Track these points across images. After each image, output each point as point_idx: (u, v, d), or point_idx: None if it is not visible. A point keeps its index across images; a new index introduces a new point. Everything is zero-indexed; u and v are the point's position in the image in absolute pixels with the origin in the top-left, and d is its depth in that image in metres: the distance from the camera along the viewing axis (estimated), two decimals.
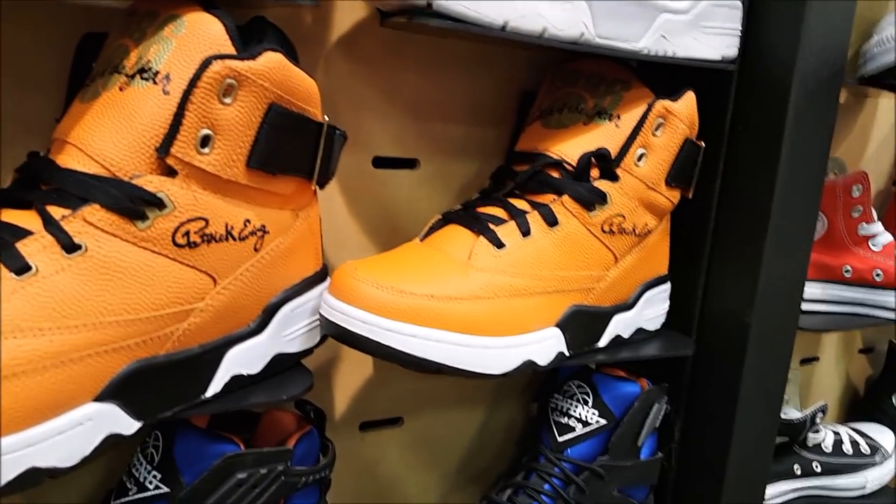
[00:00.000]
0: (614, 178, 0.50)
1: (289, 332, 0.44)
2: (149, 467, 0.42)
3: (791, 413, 0.81)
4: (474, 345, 0.43)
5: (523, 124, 0.55)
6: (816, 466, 0.81)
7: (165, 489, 0.41)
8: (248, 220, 0.38)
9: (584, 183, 0.49)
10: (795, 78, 0.53)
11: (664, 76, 0.53)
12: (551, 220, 0.48)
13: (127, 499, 0.41)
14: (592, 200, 0.49)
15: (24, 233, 0.32)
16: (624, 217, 0.51)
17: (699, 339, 0.61)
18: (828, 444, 0.83)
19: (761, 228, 0.56)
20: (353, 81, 0.52)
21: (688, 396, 0.63)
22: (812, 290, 0.73)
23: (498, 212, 0.49)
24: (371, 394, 0.59)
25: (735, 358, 0.59)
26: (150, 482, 0.41)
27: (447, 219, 0.50)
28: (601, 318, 0.53)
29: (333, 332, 0.43)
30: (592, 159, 0.49)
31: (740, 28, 0.54)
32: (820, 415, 0.79)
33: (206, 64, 0.33)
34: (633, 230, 0.52)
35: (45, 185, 0.34)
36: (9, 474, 0.30)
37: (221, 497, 0.40)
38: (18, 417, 0.30)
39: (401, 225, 0.57)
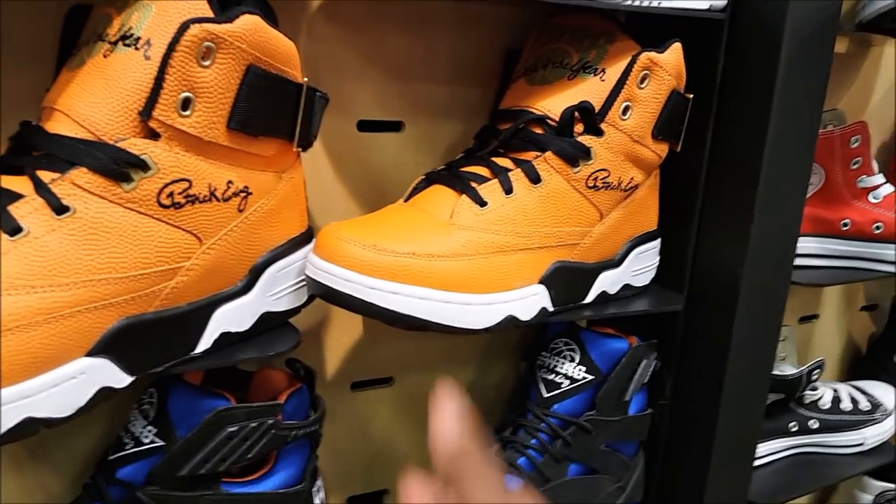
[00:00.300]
0: (598, 132, 0.50)
1: (276, 291, 0.45)
2: (144, 422, 0.43)
3: (788, 370, 0.82)
4: (456, 301, 0.44)
5: (508, 82, 0.55)
6: (813, 423, 0.82)
7: (161, 442, 0.42)
8: (231, 182, 0.40)
9: (568, 138, 0.49)
10: (787, 25, 0.52)
11: (653, 28, 0.52)
12: (534, 177, 0.49)
13: (124, 452, 0.43)
14: (576, 156, 0.49)
15: (15, 196, 0.34)
16: (609, 172, 0.51)
17: (690, 294, 0.62)
18: (825, 402, 0.84)
19: (752, 182, 0.56)
20: (335, 45, 0.52)
21: (679, 353, 0.64)
22: (809, 244, 0.73)
23: (481, 170, 0.49)
24: (362, 354, 0.60)
25: (726, 313, 0.60)
26: (146, 436, 0.43)
27: (430, 179, 0.50)
28: (587, 274, 0.54)
29: (319, 292, 0.44)
30: (576, 114, 0.49)
31: None
32: (817, 371, 0.80)
33: (183, 27, 0.34)
34: (619, 185, 0.53)
35: (35, 151, 0.36)
36: (7, 423, 0.32)
37: (213, 449, 0.42)
38: (15, 370, 0.32)
39: (387, 188, 0.57)
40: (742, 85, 0.56)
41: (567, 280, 0.52)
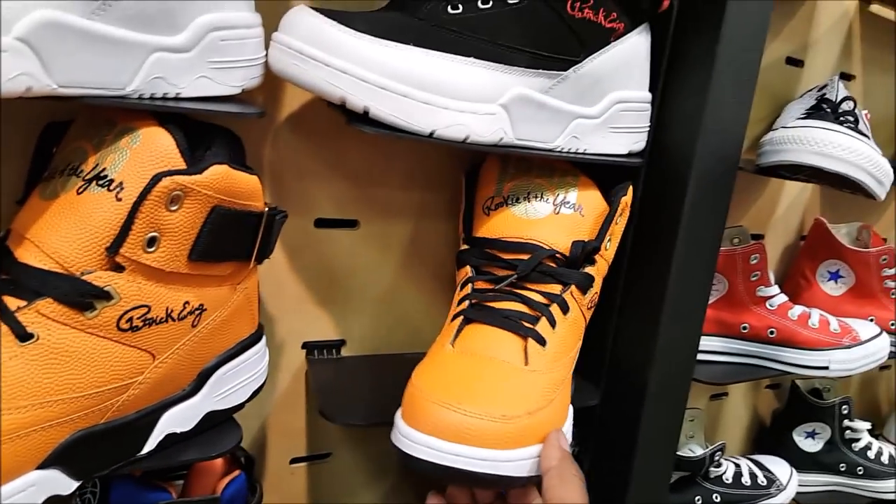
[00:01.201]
0: (593, 262, 0.56)
1: (221, 391, 0.49)
2: None
3: (695, 450, 0.89)
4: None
5: (473, 202, 0.60)
6: (716, 497, 0.89)
7: None
8: (188, 302, 0.43)
9: (581, 271, 0.55)
10: (693, 171, 0.59)
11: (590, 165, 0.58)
12: (565, 309, 0.54)
13: None
14: (587, 286, 0.55)
15: None
16: (597, 293, 0.58)
17: (606, 389, 0.68)
18: (728, 476, 0.91)
19: (660, 297, 0.63)
20: (299, 153, 0.57)
21: (595, 440, 0.71)
22: (713, 343, 0.81)
23: (517, 306, 0.53)
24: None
25: (635, 408, 0.66)
26: None
27: (467, 319, 0.53)
28: None
29: (446, 475, 0.45)
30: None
31: (648, 125, 0.60)
32: (719, 452, 0.87)
33: (156, 179, 0.38)
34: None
35: (3, 273, 0.39)
36: None
37: None
38: None
39: (338, 278, 0.62)
40: (655, 217, 0.62)
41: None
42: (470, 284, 0.55)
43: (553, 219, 0.55)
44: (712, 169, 0.60)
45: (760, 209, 0.89)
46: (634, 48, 0.55)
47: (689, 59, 0.57)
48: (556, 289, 0.54)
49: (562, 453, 0.47)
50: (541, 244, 0.54)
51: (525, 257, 0.54)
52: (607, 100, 0.55)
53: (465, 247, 0.58)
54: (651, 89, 0.59)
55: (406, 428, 0.46)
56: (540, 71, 0.50)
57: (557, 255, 0.55)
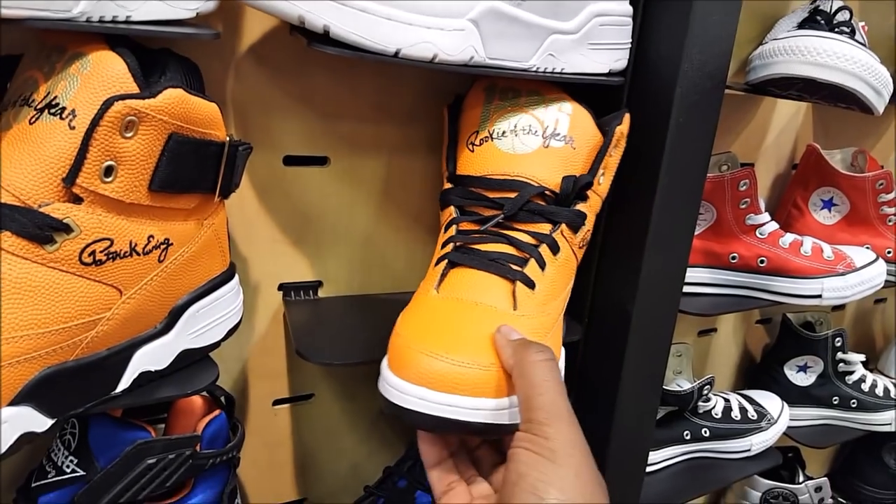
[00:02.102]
0: (586, 199, 0.54)
1: (195, 329, 0.48)
2: (66, 452, 0.46)
3: (683, 385, 0.90)
4: None
5: (456, 137, 0.57)
6: (705, 432, 0.90)
7: (81, 472, 0.45)
8: (152, 236, 0.42)
9: (572, 209, 0.53)
10: (678, 89, 0.57)
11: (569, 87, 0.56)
12: (556, 250, 0.52)
13: (46, 481, 0.46)
14: (578, 224, 0.53)
15: None
16: (590, 231, 0.56)
17: (589, 325, 0.68)
18: (717, 411, 0.92)
19: (643, 227, 0.61)
20: (263, 86, 0.55)
21: (578, 377, 0.70)
22: (700, 274, 0.80)
23: (505, 248, 0.51)
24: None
25: (619, 342, 0.66)
26: (68, 466, 0.45)
27: (452, 262, 0.51)
28: None
29: (422, 422, 0.43)
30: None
31: (630, 42, 0.58)
32: (707, 387, 0.87)
33: (107, 104, 0.36)
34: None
35: None
36: None
37: (133, 480, 0.45)
38: None
39: (311, 217, 0.61)
40: (637, 140, 0.60)
41: None
42: (454, 226, 0.53)
43: (542, 153, 0.53)
44: (698, 86, 0.58)
45: (750, 136, 0.87)
46: None
47: None
48: (545, 228, 0.52)
49: (513, 347, 0.44)
50: (529, 181, 0.52)
51: (512, 195, 0.52)
52: (585, 13, 0.53)
53: (448, 185, 0.56)
54: (632, 2, 0.57)
55: (394, 378, 0.44)
56: None
57: (547, 192, 0.52)
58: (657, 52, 0.58)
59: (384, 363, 0.47)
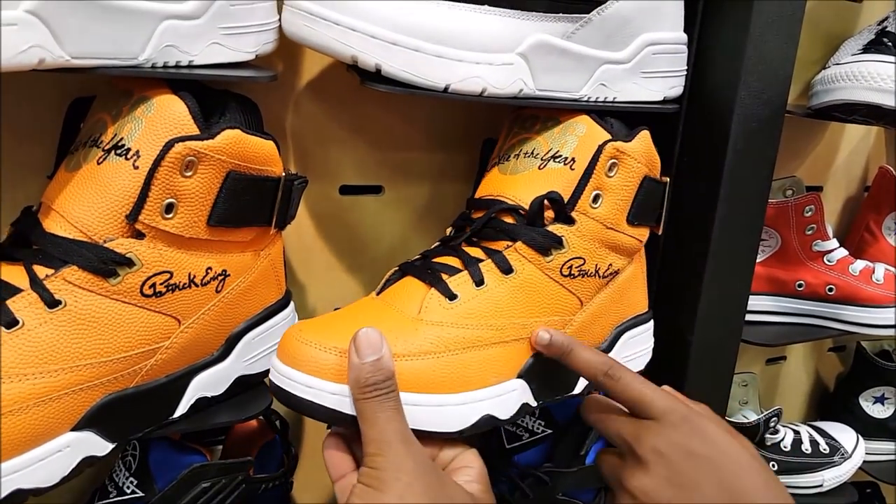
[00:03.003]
0: (570, 221, 0.50)
1: (251, 356, 0.49)
2: (127, 473, 0.48)
3: (749, 416, 0.86)
4: (427, 403, 0.43)
5: (484, 171, 0.56)
6: (773, 465, 0.86)
7: (140, 494, 0.47)
8: (210, 268, 0.44)
9: (538, 228, 0.49)
10: (735, 117, 0.56)
11: (621, 114, 0.54)
12: (506, 268, 0.48)
13: (108, 500, 0.48)
14: (547, 245, 0.49)
15: (13, 290, 0.38)
16: (584, 259, 0.50)
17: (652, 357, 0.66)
18: (786, 444, 0.88)
19: (702, 255, 0.60)
20: (320, 120, 0.57)
21: None
22: (765, 302, 0.77)
23: (452, 261, 0.49)
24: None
25: (679, 373, 0.64)
26: (128, 487, 0.47)
27: (403, 271, 0.50)
28: None
29: (281, 399, 0.43)
30: (546, 202, 0.49)
31: (685, 69, 0.57)
32: (774, 419, 0.84)
33: (168, 145, 0.38)
34: (597, 272, 0.52)
35: (33, 244, 0.40)
36: None
37: (188, 502, 0.46)
38: (8, 448, 0.36)
39: (366, 245, 0.62)
40: (695, 167, 0.59)
41: (549, 371, 0.50)
42: (439, 242, 0.53)
43: (533, 174, 0.50)
44: (756, 113, 0.56)
45: (818, 158, 0.84)
46: None
47: None
48: (501, 245, 0.49)
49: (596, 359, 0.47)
50: (504, 199, 0.50)
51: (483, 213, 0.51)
52: (637, 42, 0.52)
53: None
54: (687, 29, 0.56)
55: (274, 360, 0.44)
56: (560, 15, 0.48)
57: (520, 211, 0.49)
58: (713, 79, 0.57)
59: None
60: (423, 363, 0.44)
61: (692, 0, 0.56)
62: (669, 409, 0.44)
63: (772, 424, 0.84)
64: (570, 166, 0.50)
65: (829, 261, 0.76)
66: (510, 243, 0.49)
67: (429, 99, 0.59)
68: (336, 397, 0.41)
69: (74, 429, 0.40)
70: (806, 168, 0.83)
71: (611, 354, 0.56)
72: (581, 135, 0.51)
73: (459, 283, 0.47)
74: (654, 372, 0.65)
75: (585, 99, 0.52)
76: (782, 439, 0.88)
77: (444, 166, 0.63)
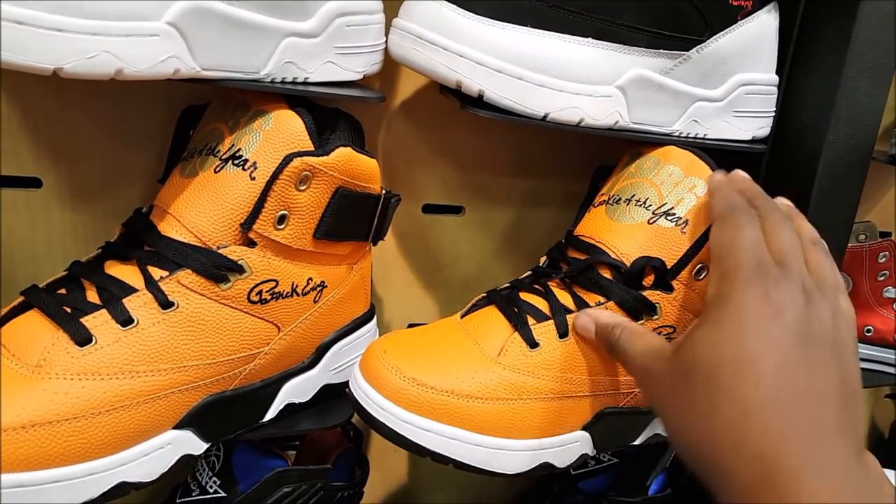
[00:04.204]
0: (668, 288, 0.47)
1: (337, 365, 0.51)
2: (210, 473, 0.49)
3: None
4: (487, 445, 0.43)
5: (590, 201, 0.55)
6: None
7: (223, 494, 0.48)
8: (311, 279, 0.45)
9: (635, 291, 0.47)
10: (822, 160, 0.56)
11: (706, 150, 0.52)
12: None
13: (190, 498, 0.49)
14: (639, 310, 0.47)
15: (129, 289, 0.40)
16: (674, 329, 0.48)
17: None
18: None
19: None
20: (410, 140, 0.58)
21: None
22: None
23: (540, 303, 0.48)
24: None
25: None
26: (211, 487, 0.49)
27: (490, 298, 0.49)
28: (634, 419, 0.52)
29: (359, 412, 0.44)
30: (648, 266, 0.47)
31: (773, 110, 0.57)
32: None
33: (287, 160, 0.40)
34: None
35: (147, 245, 0.42)
36: (103, 487, 0.38)
37: None
38: (115, 443, 0.38)
39: (444, 263, 0.63)
40: None
41: (615, 425, 0.50)
42: (531, 272, 0.52)
43: (642, 228, 0.48)
44: (842, 158, 0.56)
45: (890, 202, 0.83)
46: (762, 28, 0.53)
47: (821, 39, 0.54)
48: (592, 299, 0.47)
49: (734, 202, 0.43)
50: (608, 249, 0.48)
51: (583, 258, 0.49)
52: (731, 82, 0.53)
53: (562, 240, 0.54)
54: (777, 72, 0.56)
55: (355, 369, 0.45)
56: (660, 51, 0.49)
57: (622, 268, 0.47)
58: (801, 122, 0.57)
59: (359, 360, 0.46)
60: (493, 406, 0.44)
61: (783, 43, 0.56)
62: None
63: None
64: (682, 229, 0.48)
65: None
66: (602, 300, 0.47)
67: (519, 126, 0.60)
68: (409, 426, 0.42)
69: (176, 427, 0.41)
70: (878, 213, 0.82)
71: None
72: (702, 196, 0.48)
73: (543, 331, 0.46)
74: None
75: (677, 134, 0.53)
76: None
77: (527, 192, 0.64)
